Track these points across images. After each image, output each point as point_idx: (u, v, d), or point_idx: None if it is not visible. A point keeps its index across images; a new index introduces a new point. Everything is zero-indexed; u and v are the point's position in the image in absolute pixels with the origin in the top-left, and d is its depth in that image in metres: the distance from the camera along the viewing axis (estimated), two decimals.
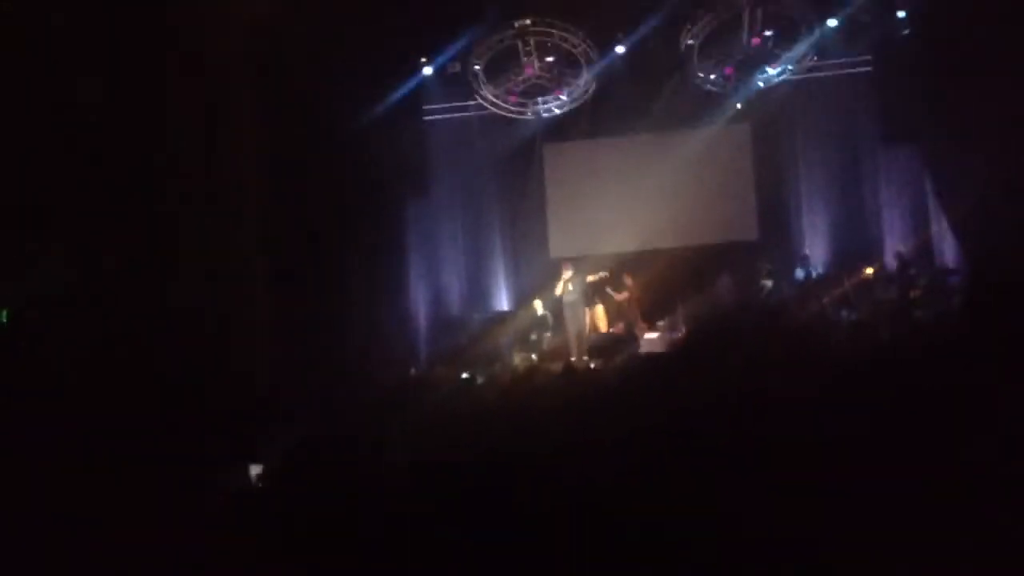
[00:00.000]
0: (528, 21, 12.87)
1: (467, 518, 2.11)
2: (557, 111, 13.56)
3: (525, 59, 13.16)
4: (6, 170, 6.81)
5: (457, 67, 13.19)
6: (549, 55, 13.14)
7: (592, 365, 10.72)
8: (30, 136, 6.94)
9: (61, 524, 2.30)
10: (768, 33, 12.67)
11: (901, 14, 12.15)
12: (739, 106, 13.21)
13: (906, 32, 12.15)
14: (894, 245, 12.72)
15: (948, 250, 12.25)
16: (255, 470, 3.33)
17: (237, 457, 3.44)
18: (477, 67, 13.14)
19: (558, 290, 12.31)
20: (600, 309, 12.83)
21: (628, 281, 12.76)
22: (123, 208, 7.46)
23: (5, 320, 7.13)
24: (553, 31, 12.92)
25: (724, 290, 12.60)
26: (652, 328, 12.40)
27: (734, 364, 2.15)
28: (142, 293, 7.45)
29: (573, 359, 11.35)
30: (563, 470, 2.23)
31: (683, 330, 11.00)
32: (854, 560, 1.74)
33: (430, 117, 13.92)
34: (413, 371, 11.94)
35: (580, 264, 12.53)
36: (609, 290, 12.78)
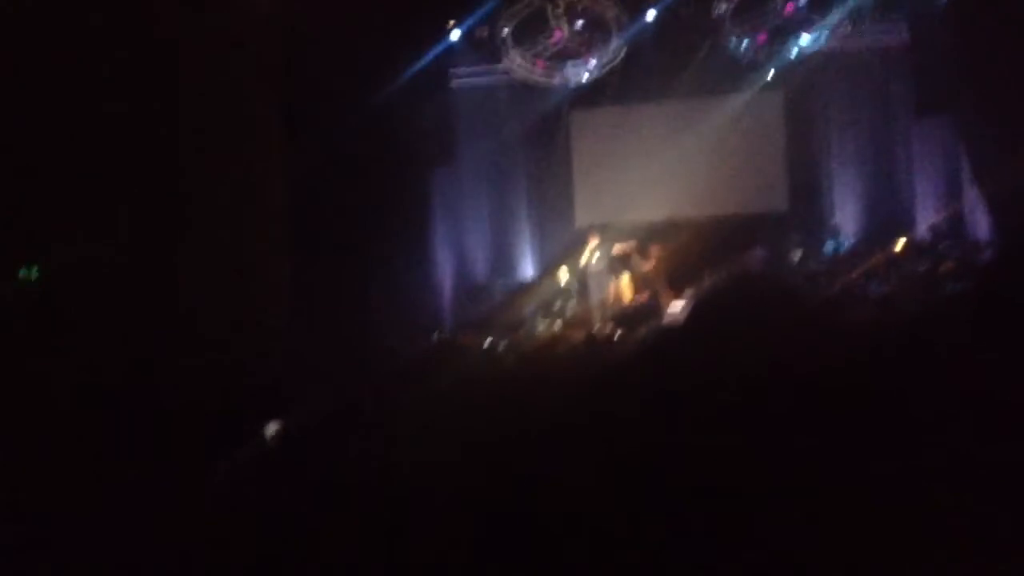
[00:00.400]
0: None
1: (485, 494, 2.10)
2: (586, 77, 13.40)
3: (554, 24, 13.01)
4: (17, 163, 6.79)
5: (485, 32, 13.07)
6: (579, 20, 12.98)
7: (616, 335, 10.67)
8: (42, 131, 6.90)
9: (61, 519, 2.30)
10: (803, 0, 12.44)
11: None
12: (771, 74, 13.00)
13: (943, 2, 11.88)
14: (926, 217, 12.54)
15: (981, 223, 12.05)
16: (272, 429, 3.34)
17: (250, 434, 3.44)
18: (505, 32, 13.01)
19: (584, 259, 12.27)
20: (626, 278, 12.74)
21: (654, 251, 12.66)
22: (142, 176, 7.46)
23: (36, 276, 7.17)
24: None
25: (752, 261, 12.48)
26: (678, 298, 12.31)
27: (746, 335, 2.11)
28: (158, 264, 7.47)
29: (597, 328, 11.32)
30: (582, 439, 2.21)
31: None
32: (863, 540, 1.71)
33: (457, 83, 13.83)
34: (436, 337, 11.96)
35: (606, 233, 12.46)
36: (635, 259, 12.70)
